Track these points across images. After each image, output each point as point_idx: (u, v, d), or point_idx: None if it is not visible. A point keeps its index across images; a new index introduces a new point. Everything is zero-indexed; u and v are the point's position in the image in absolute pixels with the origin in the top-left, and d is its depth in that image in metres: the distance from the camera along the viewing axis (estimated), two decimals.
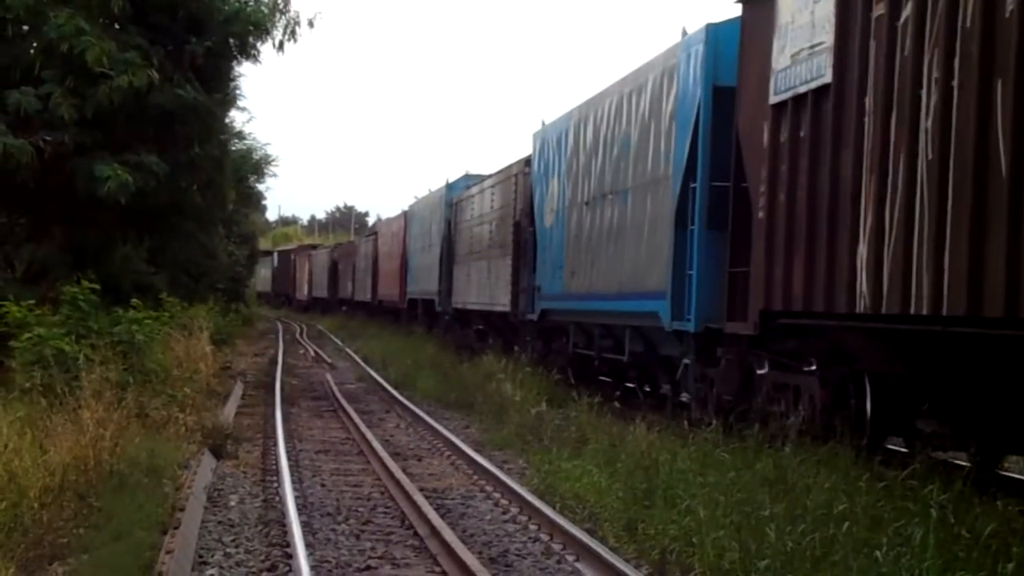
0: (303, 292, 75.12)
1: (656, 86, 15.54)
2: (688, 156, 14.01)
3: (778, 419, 11.68)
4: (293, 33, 19.77)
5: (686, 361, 14.31)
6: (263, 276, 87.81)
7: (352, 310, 55.53)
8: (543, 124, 22.21)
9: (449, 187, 33.40)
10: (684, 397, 15.17)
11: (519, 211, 23.83)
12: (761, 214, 11.86)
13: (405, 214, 42.16)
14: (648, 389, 17.93)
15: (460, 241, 30.83)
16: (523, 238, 23.17)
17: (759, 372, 12.48)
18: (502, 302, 24.58)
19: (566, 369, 19.84)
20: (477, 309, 28.12)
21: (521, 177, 24.04)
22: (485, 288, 26.73)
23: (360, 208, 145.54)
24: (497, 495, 11.58)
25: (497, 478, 11.99)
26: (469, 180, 31.85)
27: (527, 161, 23.60)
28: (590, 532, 9.43)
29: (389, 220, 48.99)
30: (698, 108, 13.83)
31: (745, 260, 12.44)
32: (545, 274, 20.89)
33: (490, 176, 28.36)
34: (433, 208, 35.43)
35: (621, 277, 16.51)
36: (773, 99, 11.66)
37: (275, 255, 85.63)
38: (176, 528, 8.94)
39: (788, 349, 11.98)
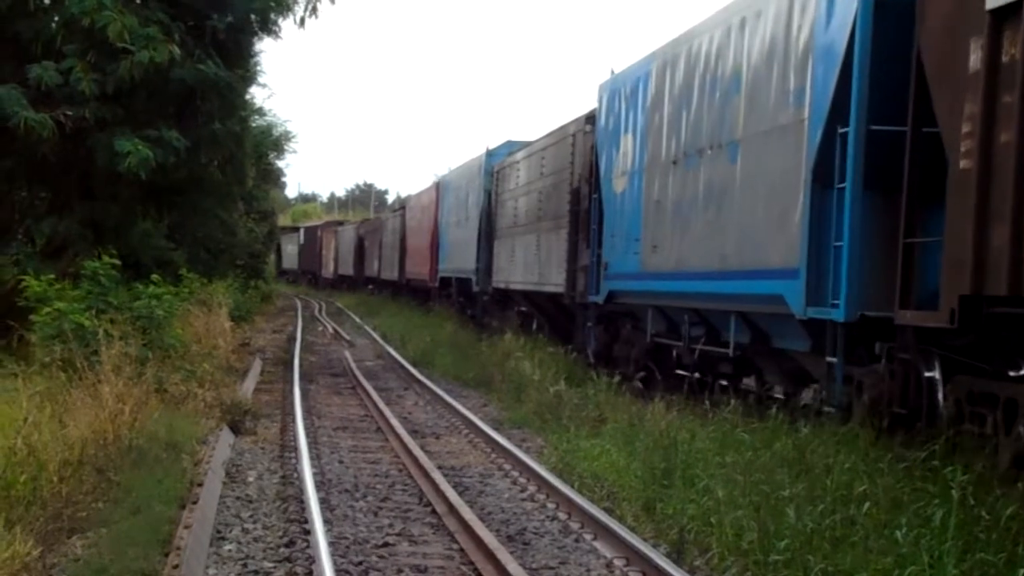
0: (329, 270, 71.96)
1: (782, 9, 12.26)
2: (835, 94, 10.81)
3: (976, 440, 9.06)
4: (315, 9, 19.77)
5: (831, 360, 11.02)
6: (289, 253, 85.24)
7: (378, 289, 52.91)
8: (612, 73, 18.54)
9: (489, 154, 30.20)
10: (806, 399, 12.60)
11: (578, 176, 20.43)
12: (965, 164, 8.84)
13: (437, 185, 38.86)
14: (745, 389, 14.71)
15: (502, 213, 27.76)
16: (583, 207, 19.84)
17: (928, 375, 9.80)
18: (554, 282, 21.50)
19: (640, 363, 17.14)
20: (522, 289, 25.12)
21: (581, 137, 20.38)
22: (533, 266, 23.54)
23: (380, 186, 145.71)
24: (515, 473, 11.56)
25: (515, 456, 11.98)
26: (512, 147, 28.84)
27: (588, 118, 19.99)
28: (608, 511, 9.41)
29: (419, 193, 45.29)
30: (851, 30, 10.64)
31: (928, 228, 9.72)
32: (614, 249, 17.54)
33: (539, 139, 24.74)
34: (470, 178, 32.31)
35: (725, 251, 13.29)
36: (994, 2, 8.48)
37: (302, 231, 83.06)
38: (194, 503, 8.94)
39: (967, 345, 9.36)
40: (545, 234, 22.58)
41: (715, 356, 14.40)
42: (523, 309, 26.40)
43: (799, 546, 7.52)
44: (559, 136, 22.34)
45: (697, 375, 15.34)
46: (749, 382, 14.76)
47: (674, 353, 15.88)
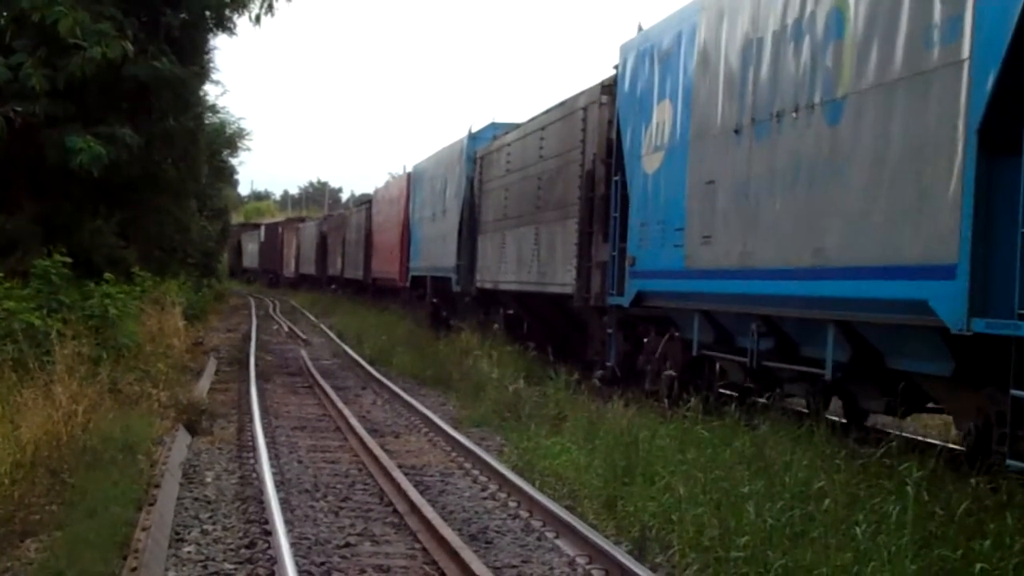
0: (290, 269, 68.93)
1: None
2: (1019, 23, 7.76)
3: None
4: (271, 7, 19.67)
5: (1017, 393, 7.84)
6: (250, 251, 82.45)
7: (341, 289, 50.10)
8: (639, 29, 15.47)
9: (472, 138, 26.63)
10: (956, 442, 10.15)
11: (591, 156, 17.27)
12: None
13: (409, 176, 35.38)
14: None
15: (488, 204, 24.52)
16: (598, 193, 16.87)
17: None
18: (560, 281, 18.35)
19: (675, 379, 14.04)
20: (515, 290, 21.72)
21: (595, 110, 17.23)
22: (530, 263, 20.34)
23: (334, 184, 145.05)
24: (476, 472, 11.53)
25: (476, 455, 11.94)
26: (498, 128, 25.44)
27: (605, 86, 16.80)
28: (570, 509, 9.40)
29: (387, 184, 42.19)
30: None
31: None
32: (644, 242, 14.51)
33: (537, 116, 21.25)
34: (449, 165, 28.74)
35: (821, 242, 10.20)
36: None
37: (263, 228, 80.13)
38: (152, 504, 8.85)
39: None
40: (547, 226, 19.46)
41: (785, 374, 11.75)
42: (511, 312, 23.35)
43: (759, 542, 7.55)
44: (565, 111, 18.98)
45: (759, 398, 12.03)
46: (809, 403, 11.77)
47: (717, 368, 13.44)
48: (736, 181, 12.00)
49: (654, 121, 14.40)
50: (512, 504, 10.03)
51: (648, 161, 14.54)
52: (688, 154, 13.26)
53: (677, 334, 14.13)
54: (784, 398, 12.10)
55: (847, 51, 10.00)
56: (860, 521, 7.54)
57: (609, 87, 16.59)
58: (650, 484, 9.50)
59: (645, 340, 15.25)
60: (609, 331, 16.27)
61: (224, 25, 20.21)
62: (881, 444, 9.18)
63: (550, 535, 8.91)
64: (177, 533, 8.58)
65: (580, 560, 8.15)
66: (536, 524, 9.27)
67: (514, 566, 8.06)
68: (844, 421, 11.67)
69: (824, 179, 10.21)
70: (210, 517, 9.18)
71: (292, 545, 8.04)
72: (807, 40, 10.67)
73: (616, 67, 16.07)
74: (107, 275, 16.59)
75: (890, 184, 9.23)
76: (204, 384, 17.75)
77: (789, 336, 11.53)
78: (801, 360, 11.25)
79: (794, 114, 10.80)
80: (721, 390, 13.53)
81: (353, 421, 14.31)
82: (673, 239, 13.52)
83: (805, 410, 11.74)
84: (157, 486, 9.57)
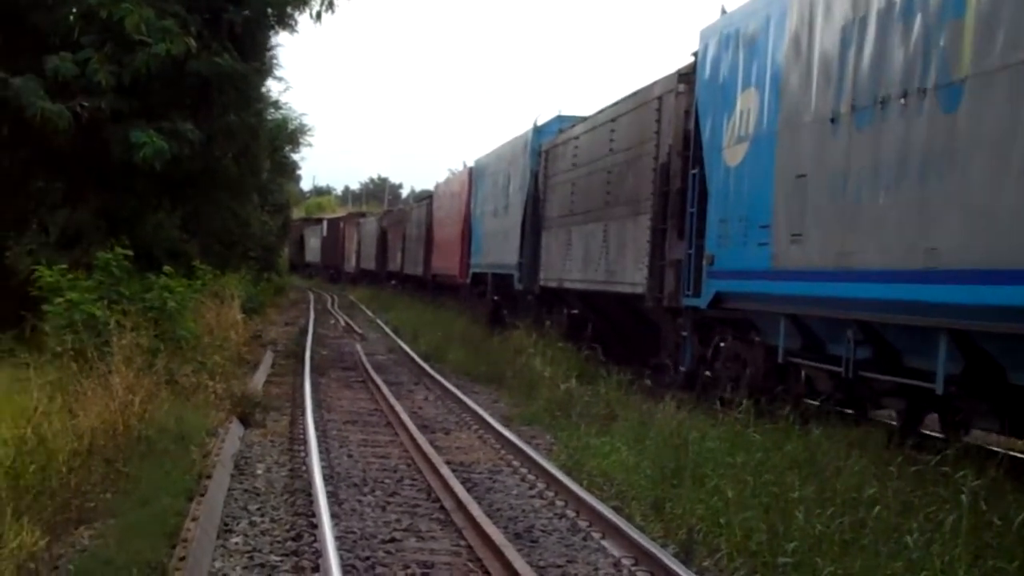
0: (351, 264, 68.04)
1: None
2: None
3: None
4: (331, 4, 19.77)
5: None
6: (312, 246, 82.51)
7: (400, 285, 49.50)
8: (723, 12, 14.70)
9: (537, 131, 25.83)
10: None
11: (666, 149, 16.37)
12: None
13: (470, 171, 34.66)
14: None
15: (553, 199, 23.74)
16: (674, 188, 15.96)
17: None
18: (630, 280, 17.52)
19: (756, 387, 13.02)
20: (581, 289, 20.94)
21: (671, 99, 16.32)
22: (597, 261, 19.50)
23: (394, 180, 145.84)
24: (524, 470, 11.54)
25: (524, 453, 11.95)
26: (564, 121, 24.62)
27: (682, 75, 15.98)
28: (617, 510, 9.38)
29: (449, 179, 41.05)
30: None
31: None
32: (724, 239, 13.71)
33: (607, 107, 20.37)
34: (513, 160, 27.94)
35: (936, 241, 9.24)
36: None
37: (324, 223, 79.86)
38: (202, 495, 8.94)
39: None
40: (617, 222, 18.57)
41: (883, 386, 11.00)
42: (575, 312, 22.40)
43: (808, 548, 7.49)
44: (638, 100, 18.10)
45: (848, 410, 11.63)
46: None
47: (802, 375, 12.54)
48: (832, 174, 11.03)
49: (737, 110, 13.60)
50: (559, 503, 10.03)
51: (730, 153, 13.71)
52: (776, 145, 12.44)
53: (758, 339, 13.24)
54: (874, 410, 11.42)
55: (967, 30, 9.06)
56: (913, 529, 7.44)
57: (687, 75, 15.79)
58: (699, 486, 9.46)
59: (722, 344, 14.36)
60: (684, 334, 15.39)
61: (285, 22, 20.36)
62: (939, 452, 9.04)
63: (596, 535, 8.89)
64: (226, 524, 8.67)
65: (625, 561, 8.13)
66: (583, 524, 9.26)
67: (559, 566, 8.05)
68: (938, 434, 11.10)
69: (938, 171, 9.21)
70: (259, 509, 9.27)
71: (337, 539, 8.10)
72: (919, 19, 9.73)
73: (695, 54, 15.29)
74: (166, 268, 16.78)
75: (1019, 176, 8.26)
76: (260, 377, 17.92)
77: (891, 345, 10.56)
78: (903, 371, 10.37)
79: (902, 100, 9.81)
80: (810, 401, 12.37)
81: (404, 416, 14.37)
82: (757, 237, 12.70)
83: (893, 423, 11.18)
84: (209, 477, 9.67)
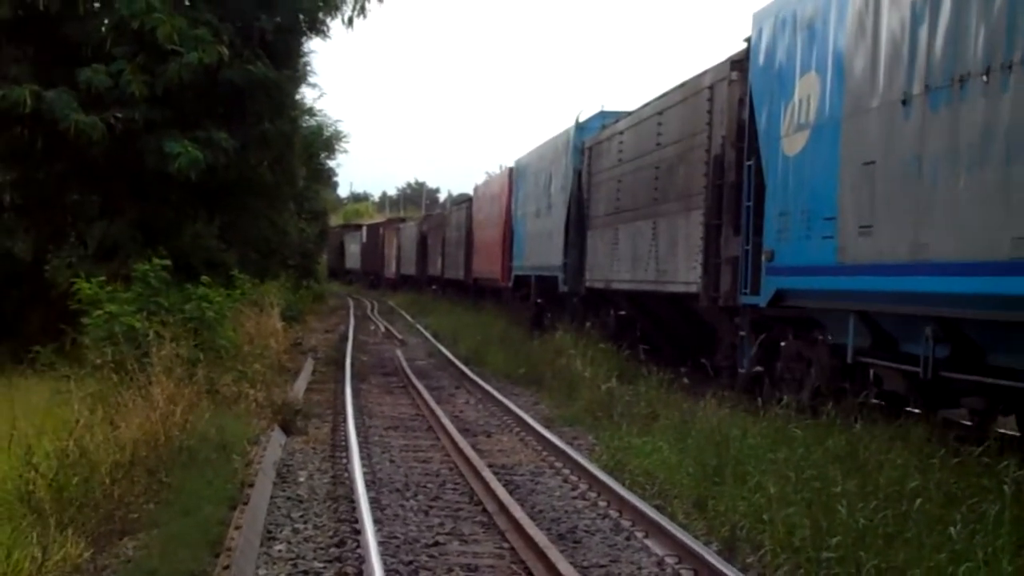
0: (391, 269, 67.49)
1: None
2: None
3: None
4: (363, 9, 19.88)
5: None
6: (352, 252, 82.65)
7: (441, 290, 48.97)
8: None
9: (580, 128, 24.89)
10: None
11: (719, 140, 15.52)
12: None
13: (510, 171, 33.84)
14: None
15: (598, 197, 22.79)
16: (728, 180, 15.15)
17: None
18: (683, 279, 16.72)
19: (822, 389, 12.40)
20: (629, 289, 20.12)
21: (723, 88, 15.50)
22: (647, 260, 18.66)
23: (431, 184, 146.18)
24: (566, 471, 11.51)
25: (566, 454, 11.92)
26: (606, 117, 23.80)
27: (735, 62, 15.15)
28: (659, 509, 9.34)
29: (488, 181, 40.35)
30: None
31: None
32: (784, 233, 12.97)
33: (654, 100, 19.53)
34: (554, 158, 27.11)
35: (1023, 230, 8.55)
36: None
37: (364, 229, 79.98)
38: (245, 504, 8.97)
39: None
40: (667, 219, 17.75)
41: (966, 386, 10.30)
42: (622, 314, 21.62)
43: (851, 543, 7.42)
44: (687, 91, 17.32)
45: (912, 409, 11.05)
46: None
47: (871, 375, 11.78)
48: (904, 160, 10.25)
49: (796, 97, 12.85)
50: (602, 504, 9.99)
51: (789, 142, 12.96)
52: (840, 132, 11.66)
53: (823, 338, 12.53)
54: (949, 409, 10.96)
55: None
56: (956, 521, 7.37)
57: (739, 62, 14.96)
58: (741, 483, 9.40)
59: (782, 344, 13.64)
60: (742, 334, 14.52)
61: (317, 28, 20.45)
62: (980, 443, 8.95)
63: (639, 535, 8.85)
64: (269, 532, 8.70)
65: (669, 560, 8.10)
66: (626, 524, 9.22)
67: (602, 566, 8.03)
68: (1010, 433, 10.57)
69: (1022, 154, 8.54)
70: (301, 516, 9.29)
71: (380, 544, 8.10)
72: None
73: (747, 39, 14.49)
74: (203, 278, 16.88)
75: None
76: (301, 384, 17.99)
77: (974, 342, 9.91)
78: (987, 370, 9.76)
79: (984, 78, 9.00)
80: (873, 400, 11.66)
81: (445, 421, 14.38)
82: (821, 230, 11.97)
83: (968, 422, 10.79)
84: (251, 485, 9.71)
